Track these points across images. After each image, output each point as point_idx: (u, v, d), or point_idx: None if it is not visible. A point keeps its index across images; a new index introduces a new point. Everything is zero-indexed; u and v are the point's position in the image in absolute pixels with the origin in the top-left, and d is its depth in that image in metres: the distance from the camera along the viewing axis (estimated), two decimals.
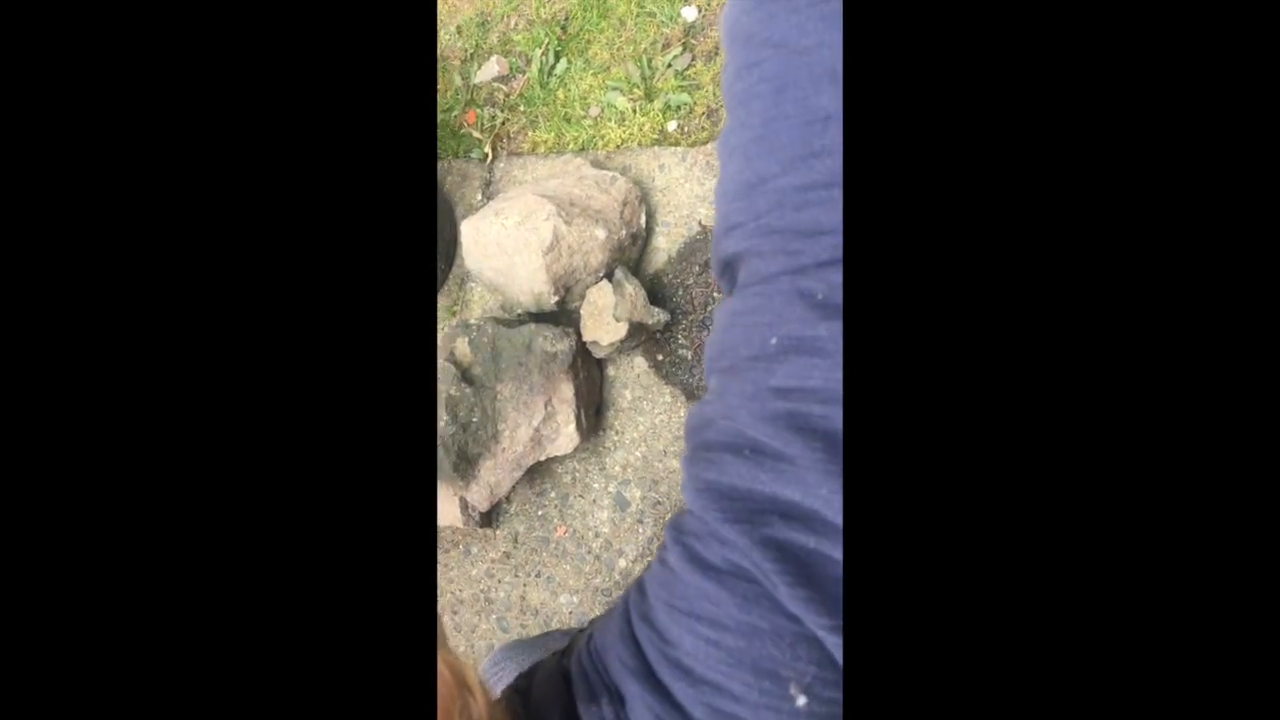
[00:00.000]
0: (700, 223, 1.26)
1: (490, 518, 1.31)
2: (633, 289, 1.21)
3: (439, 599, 1.25)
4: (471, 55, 1.50)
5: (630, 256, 1.28)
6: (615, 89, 1.36)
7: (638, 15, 1.36)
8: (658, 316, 1.22)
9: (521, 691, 0.35)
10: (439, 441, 1.17)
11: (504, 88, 1.45)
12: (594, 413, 1.28)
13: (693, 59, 1.32)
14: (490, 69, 1.46)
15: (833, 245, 0.27)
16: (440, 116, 1.46)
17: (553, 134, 1.41)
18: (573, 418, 1.20)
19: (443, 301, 1.40)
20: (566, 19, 1.43)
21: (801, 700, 0.26)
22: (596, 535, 1.26)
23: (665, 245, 1.28)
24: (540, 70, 1.41)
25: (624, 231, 1.24)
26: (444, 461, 1.18)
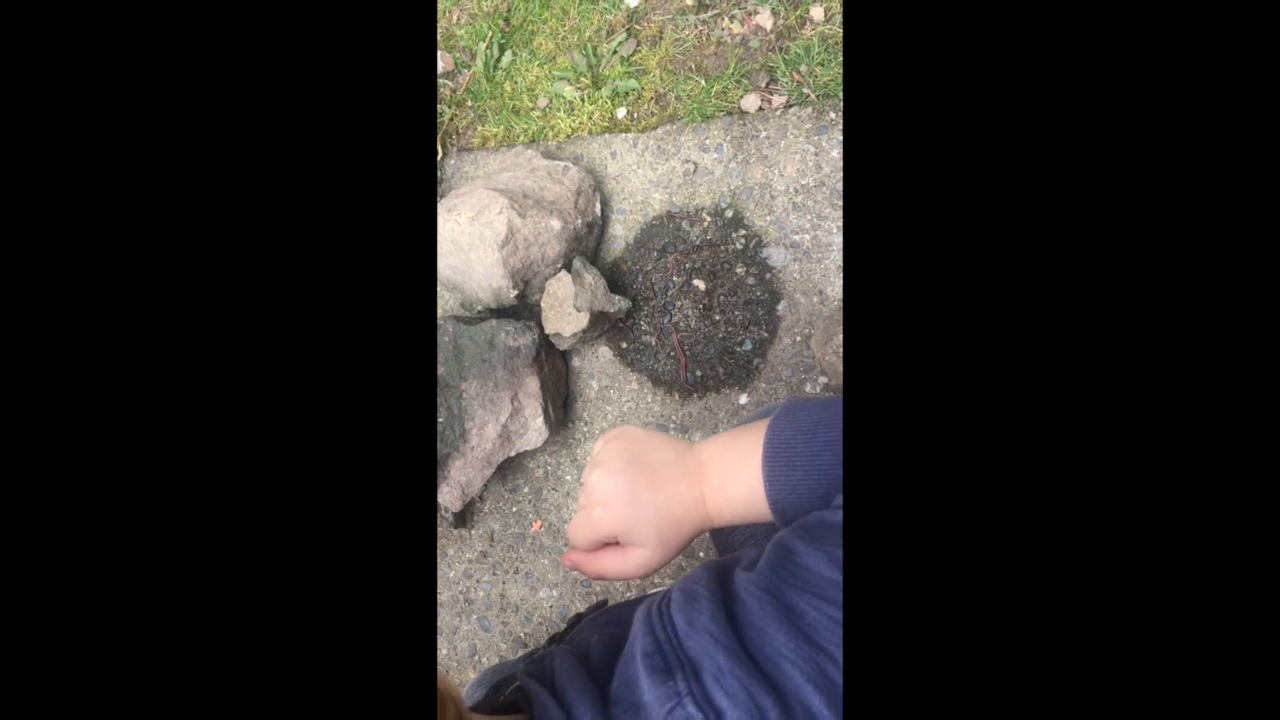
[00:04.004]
0: (662, 208, 1.26)
1: (464, 518, 1.30)
2: (592, 278, 1.20)
3: None
4: None
5: (587, 246, 1.27)
6: (562, 79, 1.35)
7: (580, 3, 1.35)
8: (619, 304, 1.21)
9: (536, 675, 0.37)
10: None
11: (450, 84, 1.44)
12: (561, 405, 1.27)
13: (638, 44, 1.31)
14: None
15: None
16: None
17: (502, 127, 1.39)
18: (540, 411, 1.20)
19: None
20: (509, 11, 1.42)
21: None
22: None
23: (622, 232, 1.28)
24: (486, 64, 1.40)
25: (579, 221, 1.23)
26: None
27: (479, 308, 1.27)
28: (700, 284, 1.22)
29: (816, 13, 1.20)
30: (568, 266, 1.22)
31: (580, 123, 1.33)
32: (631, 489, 0.45)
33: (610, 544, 0.47)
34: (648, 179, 1.26)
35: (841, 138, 1.15)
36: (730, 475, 0.44)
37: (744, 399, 1.18)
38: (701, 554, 1.17)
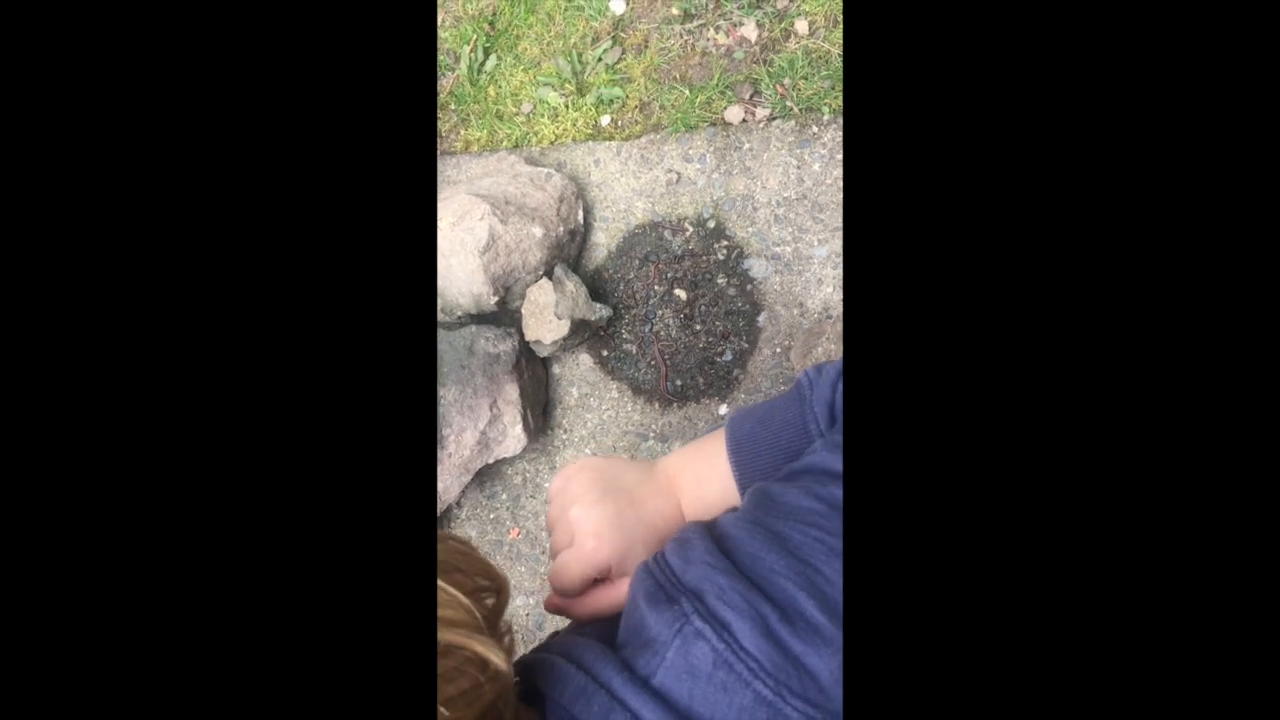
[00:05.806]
0: (645, 217, 1.26)
1: (441, 524, 1.29)
2: (573, 286, 1.20)
3: None
4: None
5: (569, 253, 1.27)
6: (546, 84, 1.34)
7: (566, 9, 1.35)
8: (600, 312, 1.21)
9: (551, 650, 0.38)
10: None
11: None
12: (541, 412, 1.27)
13: (623, 52, 1.31)
14: None
15: None
16: None
17: (485, 132, 1.38)
18: (519, 418, 1.19)
19: None
20: (494, 15, 1.41)
21: None
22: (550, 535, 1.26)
23: (604, 240, 1.28)
24: (470, 68, 1.39)
25: (562, 228, 1.23)
26: None
27: (459, 313, 1.26)
28: (681, 294, 1.22)
29: (801, 26, 1.20)
30: (549, 274, 1.22)
31: (564, 129, 1.33)
32: (617, 515, 0.45)
33: (594, 582, 0.46)
34: (631, 187, 1.26)
35: (823, 152, 1.15)
36: (702, 479, 0.47)
37: (724, 409, 1.19)
38: None
